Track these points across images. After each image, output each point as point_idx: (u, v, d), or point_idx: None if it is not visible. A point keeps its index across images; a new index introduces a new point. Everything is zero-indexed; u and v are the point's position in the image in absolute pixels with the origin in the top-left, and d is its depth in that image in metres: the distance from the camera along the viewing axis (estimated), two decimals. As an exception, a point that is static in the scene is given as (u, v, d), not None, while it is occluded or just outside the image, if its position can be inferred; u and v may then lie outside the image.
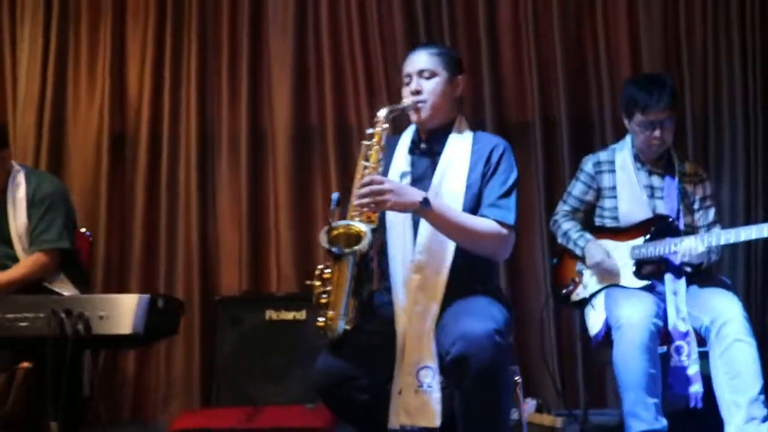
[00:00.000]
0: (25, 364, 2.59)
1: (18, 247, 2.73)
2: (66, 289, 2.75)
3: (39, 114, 3.57)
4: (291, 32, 3.58)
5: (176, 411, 3.37)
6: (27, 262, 2.70)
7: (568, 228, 2.87)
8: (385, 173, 2.15)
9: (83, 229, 3.07)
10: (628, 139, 2.84)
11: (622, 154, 2.83)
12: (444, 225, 2.05)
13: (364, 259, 2.00)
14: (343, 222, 1.98)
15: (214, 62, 3.63)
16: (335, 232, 1.97)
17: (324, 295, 1.97)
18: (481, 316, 1.96)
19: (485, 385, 1.91)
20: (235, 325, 3.10)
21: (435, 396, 2.01)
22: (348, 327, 1.97)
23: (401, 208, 2.02)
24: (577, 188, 2.92)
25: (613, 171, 2.84)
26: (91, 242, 3.13)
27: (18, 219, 2.74)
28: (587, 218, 2.94)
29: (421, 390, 2.02)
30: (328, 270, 1.97)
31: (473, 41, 3.54)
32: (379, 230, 2.13)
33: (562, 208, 2.95)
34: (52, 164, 3.55)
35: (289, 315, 3.09)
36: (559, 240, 2.92)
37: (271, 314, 3.10)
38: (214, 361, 3.07)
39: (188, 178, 3.54)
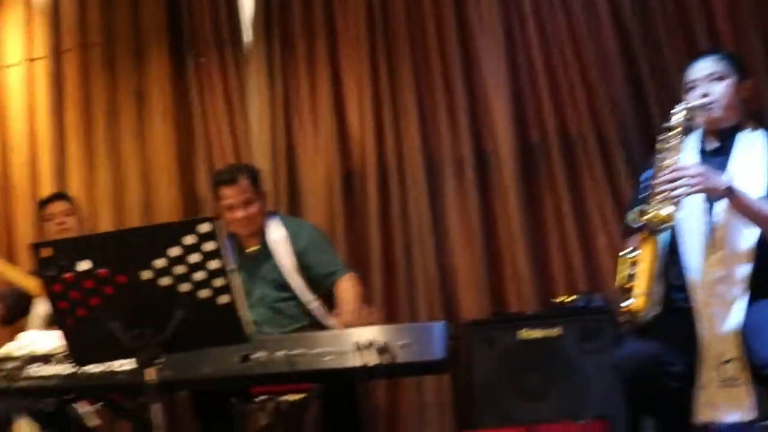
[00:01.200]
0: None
1: (297, 288, 2.89)
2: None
3: (273, 161, 3.80)
4: (502, 50, 3.58)
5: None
6: (350, 284, 2.85)
7: None
8: None
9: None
10: None
11: None
12: (749, 212, 2.02)
13: (670, 243, 2.05)
14: (651, 206, 2.00)
15: (429, 88, 3.69)
16: (644, 217, 2.00)
17: (630, 278, 1.98)
18: None
19: None
20: (489, 346, 3.10)
21: (743, 389, 1.94)
22: (654, 312, 1.99)
23: (709, 191, 2.02)
24: None
25: None
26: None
27: (287, 263, 2.91)
28: None
29: (726, 384, 1.96)
30: (635, 252, 2.00)
31: (691, 45, 3.37)
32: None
33: None
34: (291, 208, 3.77)
35: (541, 333, 3.06)
36: None
37: (522, 333, 3.08)
38: (473, 384, 3.08)
39: (418, 206, 3.62)
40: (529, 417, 2.94)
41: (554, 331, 3.04)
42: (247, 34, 3.97)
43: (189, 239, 1.86)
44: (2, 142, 4.35)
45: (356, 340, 2.06)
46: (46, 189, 4.07)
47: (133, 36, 4.14)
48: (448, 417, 3.44)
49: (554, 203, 3.51)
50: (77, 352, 2.03)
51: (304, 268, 2.94)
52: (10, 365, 2.42)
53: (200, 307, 1.90)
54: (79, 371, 2.34)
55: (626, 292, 1.99)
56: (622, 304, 1.99)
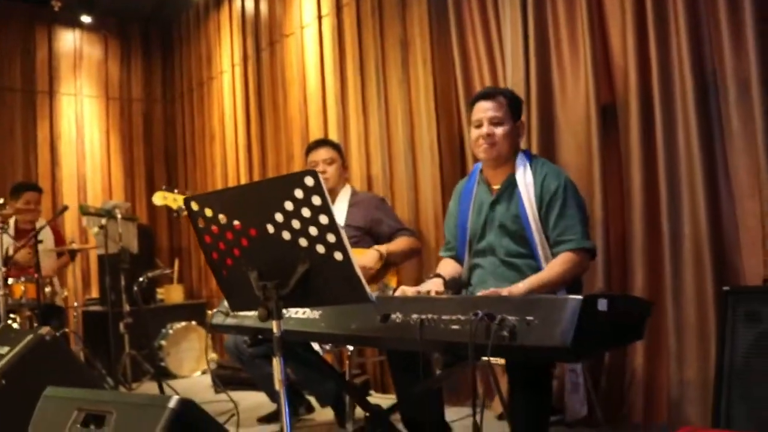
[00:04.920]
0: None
1: (536, 243, 2.51)
2: None
3: (526, 94, 3.45)
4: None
5: (689, 418, 2.88)
6: (561, 261, 2.45)
7: None
8: None
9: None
10: None
11: None
12: None
13: None
14: None
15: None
16: None
17: None
18: None
19: None
20: (752, 323, 2.40)
21: None
22: None
23: None
24: None
25: None
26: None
27: (529, 212, 2.53)
28: None
29: None
30: None
31: None
32: None
33: None
34: (543, 145, 3.41)
35: (828, 312, 2.26)
36: None
37: (800, 310, 2.31)
38: (722, 369, 2.43)
39: (689, 144, 2.92)
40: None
41: None
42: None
43: (298, 193, 1.81)
44: (303, 95, 4.82)
45: (478, 310, 1.75)
46: (333, 137, 4.38)
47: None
48: (709, 401, 2.79)
49: None
50: (232, 300, 2.13)
51: (542, 222, 2.54)
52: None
53: (319, 262, 1.86)
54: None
55: None
56: None
